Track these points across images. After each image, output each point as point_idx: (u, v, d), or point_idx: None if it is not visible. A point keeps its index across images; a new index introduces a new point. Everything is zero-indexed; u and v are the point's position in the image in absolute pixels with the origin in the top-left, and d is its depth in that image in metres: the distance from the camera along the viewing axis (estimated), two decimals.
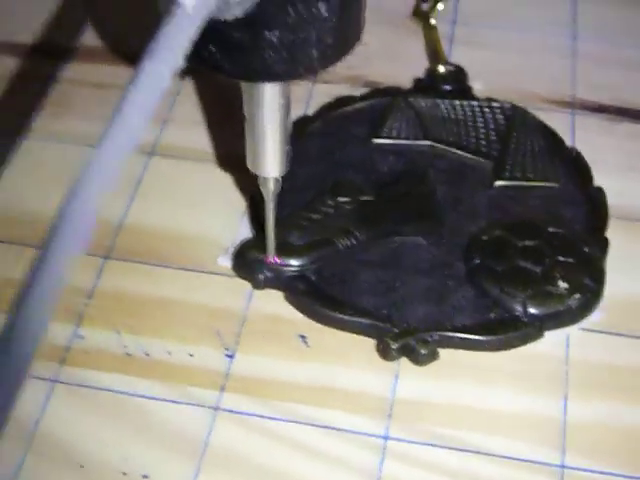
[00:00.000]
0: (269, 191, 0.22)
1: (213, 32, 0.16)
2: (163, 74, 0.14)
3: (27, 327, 0.12)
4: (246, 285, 0.25)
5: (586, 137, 0.28)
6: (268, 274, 0.24)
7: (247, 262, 0.24)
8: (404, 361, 0.23)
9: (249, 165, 0.21)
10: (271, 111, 0.20)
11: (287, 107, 0.20)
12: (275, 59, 0.17)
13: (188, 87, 0.30)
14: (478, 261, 0.24)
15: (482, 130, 0.27)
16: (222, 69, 0.17)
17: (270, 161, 0.21)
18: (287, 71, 0.17)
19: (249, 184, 0.26)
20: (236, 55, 0.17)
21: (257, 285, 0.24)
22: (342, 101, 0.28)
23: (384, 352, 0.23)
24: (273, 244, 0.24)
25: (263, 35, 0.17)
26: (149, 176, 0.27)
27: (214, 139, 0.28)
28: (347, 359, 0.23)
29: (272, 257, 0.24)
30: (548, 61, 0.30)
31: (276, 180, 0.22)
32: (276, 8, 0.16)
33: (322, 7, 0.17)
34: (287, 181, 0.26)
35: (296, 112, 0.28)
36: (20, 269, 0.24)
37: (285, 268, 0.24)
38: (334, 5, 0.17)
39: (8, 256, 0.25)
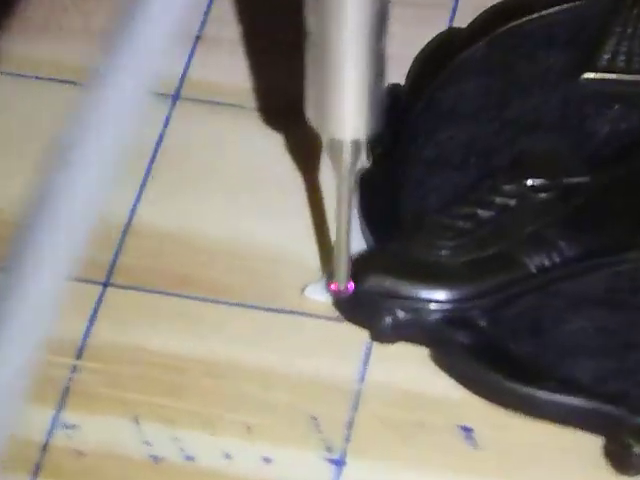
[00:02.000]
0: (345, 165, 0.23)
1: None
2: None
3: None
4: (361, 335, 0.26)
5: None
6: (401, 315, 0.25)
7: (362, 295, 0.25)
8: None
9: (311, 118, 0.22)
10: (355, 22, 0.20)
11: (382, 18, 0.21)
12: None
13: None
14: None
15: None
16: None
17: (348, 111, 0.22)
18: None
19: None
20: None
21: (381, 335, 0.25)
22: (518, 6, 0.29)
23: (619, 460, 0.23)
24: (347, 261, 0.25)
25: None
26: (172, 137, 0.29)
27: (285, 73, 0.29)
28: (548, 469, 0.24)
29: (344, 283, 0.25)
30: None
31: (357, 145, 0.22)
32: None
33: None
34: (425, 151, 0.27)
35: (433, 25, 0.29)
36: None
37: (430, 306, 0.25)
38: None
39: None
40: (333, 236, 0.26)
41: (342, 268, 0.25)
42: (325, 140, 0.23)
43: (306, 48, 0.21)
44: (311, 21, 0.21)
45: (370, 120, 0.22)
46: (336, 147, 0.23)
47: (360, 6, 0.20)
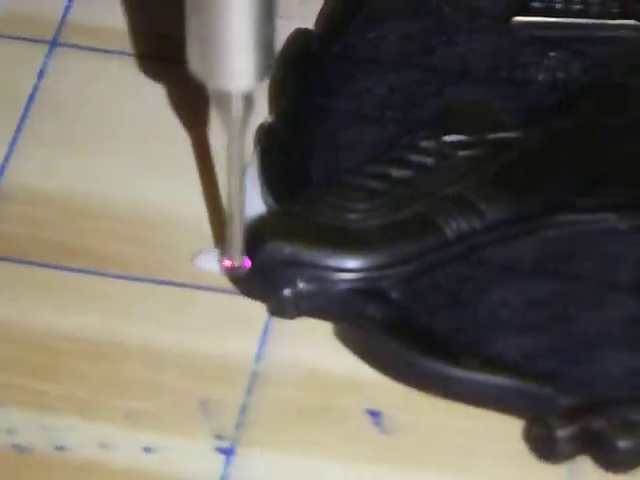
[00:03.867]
0: (235, 119, 0.24)
1: None
2: None
3: None
4: (258, 309, 0.27)
5: None
6: (303, 286, 0.26)
7: (260, 262, 0.27)
8: (582, 463, 0.25)
9: (194, 68, 0.24)
10: None
11: None
12: None
13: None
14: None
15: None
16: None
17: (236, 57, 0.23)
18: None
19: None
20: None
21: (281, 309, 0.27)
22: None
23: (543, 445, 0.25)
24: (241, 232, 0.26)
25: None
26: (49, 87, 0.30)
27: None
28: (465, 456, 0.25)
29: (239, 259, 0.27)
30: None
31: (247, 98, 0.24)
32: None
33: None
34: (337, 103, 0.29)
35: None
36: None
37: (336, 275, 0.26)
38: None
39: None
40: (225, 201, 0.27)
41: (236, 241, 0.26)
42: (211, 93, 0.24)
43: None
44: None
45: (261, 66, 0.23)
46: (224, 100, 0.24)
47: None
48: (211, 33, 0.23)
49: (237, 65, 0.23)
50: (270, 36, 0.23)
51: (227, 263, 0.27)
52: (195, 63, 0.24)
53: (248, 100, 0.24)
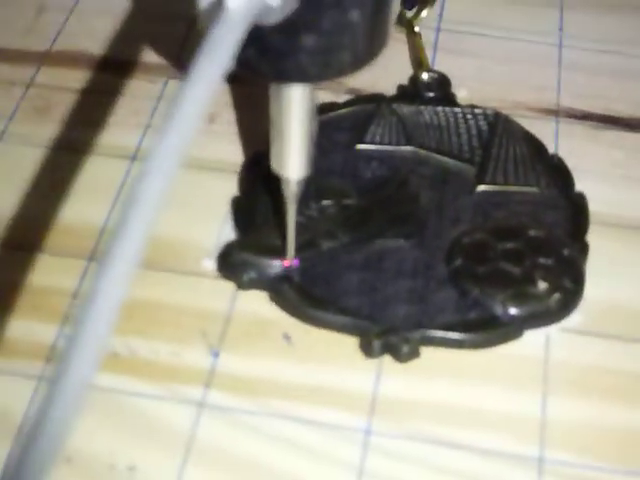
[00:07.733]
0: (292, 192, 0.28)
1: (252, 36, 0.20)
2: (215, 75, 0.16)
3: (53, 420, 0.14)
4: (231, 286, 0.31)
5: (570, 144, 0.35)
6: (253, 275, 0.31)
7: (231, 263, 0.31)
8: (386, 359, 0.29)
9: (274, 166, 0.27)
10: (299, 112, 0.24)
11: (313, 109, 0.25)
12: (310, 62, 0.21)
13: (169, 90, 0.37)
14: (459, 263, 0.31)
15: (465, 136, 0.34)
16: (258, 71, 0.22)
17: (294, 162, 0.26)
18: (320, 74, 0.22)
19: (228, 189, 0.33)
20: (273, 58, 0.21)
21: (241, 286, 0.31)
22: (325, 108, 0.36)
23: (366, 350, 0.29)
24: (293, 246, 0.30)
25: (300, 40, 0.21)
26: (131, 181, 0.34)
27: (198, 143, 0.35)
28: (331, 357, 0.29)
29: (291, 260, 0.30)
30: (533, 69, 0.38)
31: (299, 182, 0.28)
32: (313, 14, 0.20)
33: (355, 13, 0.21)
34: (269, 193, 0.32)
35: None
36: None
37: (269, 269, 0.31)
38: (367, 12, 0.21)
39: None
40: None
41: (291, 250, 0.30)
42: (282, 179, 0.27)
43: (270, 129, 0.26)
44: (273, 112, 0.25)
45: (306, 167, 0.27)
46: (288, 183, 0.27)
47: (303, 102, 0.24)
48: (284, 150, 0.26)
49: (295, 166, 0.26)
50: (312, 154, 0.27)
51: (286, 262, 0.30)
52: (274, 163, 0.27)
53: (300, 183, 0.28)
